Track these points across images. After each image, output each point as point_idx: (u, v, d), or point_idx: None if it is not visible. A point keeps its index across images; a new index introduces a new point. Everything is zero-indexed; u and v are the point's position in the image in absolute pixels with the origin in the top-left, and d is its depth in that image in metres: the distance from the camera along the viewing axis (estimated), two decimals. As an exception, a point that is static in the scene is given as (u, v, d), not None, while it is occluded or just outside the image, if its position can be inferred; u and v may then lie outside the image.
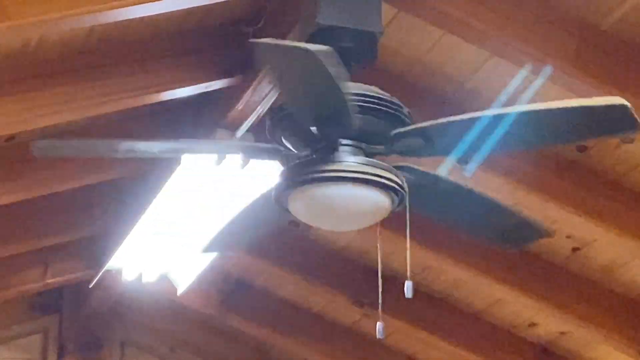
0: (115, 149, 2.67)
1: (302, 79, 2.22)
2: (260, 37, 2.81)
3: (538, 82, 2.71)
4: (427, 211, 2.68)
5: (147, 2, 2.50)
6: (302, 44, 2.03)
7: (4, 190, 3.35)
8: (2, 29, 2.39)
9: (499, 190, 3.04)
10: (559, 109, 2.17)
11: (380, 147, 2.45)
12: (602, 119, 2.16)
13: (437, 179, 2.54)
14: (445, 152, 2.44)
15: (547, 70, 2.61)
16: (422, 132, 2.35)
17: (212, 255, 3.66)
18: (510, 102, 2.93)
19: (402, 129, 2.37)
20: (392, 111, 2.43)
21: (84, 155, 3.11)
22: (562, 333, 3.93)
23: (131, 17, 2.63)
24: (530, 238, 2.76)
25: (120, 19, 2.59)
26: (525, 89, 2.87)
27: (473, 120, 2.28)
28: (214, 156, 3.14)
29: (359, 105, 2.39)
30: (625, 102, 2.00)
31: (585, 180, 3.17)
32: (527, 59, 2.67)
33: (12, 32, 2.51)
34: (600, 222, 3.16)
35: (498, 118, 2.26)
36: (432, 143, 2.40)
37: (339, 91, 2.17)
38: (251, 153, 2.67)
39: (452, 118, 2.35)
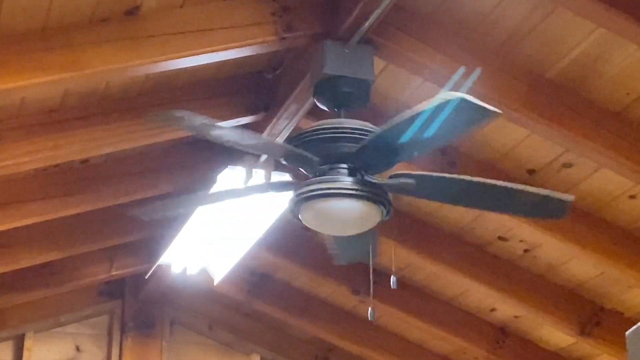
0: (190, 203, 2.73)
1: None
2: (279, 83, 2.86)
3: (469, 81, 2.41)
4: (440, 200, 2.46)
5: (189, 56, 2.48)
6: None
7: (80, 201, 3.28)
8: (78, 76, 2.40)
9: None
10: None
11: (351, 165, 2.25)
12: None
13: (434, 177, 2.28)
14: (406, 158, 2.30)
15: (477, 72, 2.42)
16: (376, 145, 2.13)
17: (242, 253, 3.55)
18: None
19: (359, 145, 2.19)
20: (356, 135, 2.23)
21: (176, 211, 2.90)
22: (516, 316, 3.88)
23: (178, 67, 2.59)
24: (559, 209, 2.30)
25: (170, 68, 2.58)
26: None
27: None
28: (242, 177, 3.05)
29: (335, 136, 2.24)
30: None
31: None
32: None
33: (85, 79, 2.53)
34: (546, 230, 3.11)
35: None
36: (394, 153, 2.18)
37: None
38: (267, 189, 2.62)
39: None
